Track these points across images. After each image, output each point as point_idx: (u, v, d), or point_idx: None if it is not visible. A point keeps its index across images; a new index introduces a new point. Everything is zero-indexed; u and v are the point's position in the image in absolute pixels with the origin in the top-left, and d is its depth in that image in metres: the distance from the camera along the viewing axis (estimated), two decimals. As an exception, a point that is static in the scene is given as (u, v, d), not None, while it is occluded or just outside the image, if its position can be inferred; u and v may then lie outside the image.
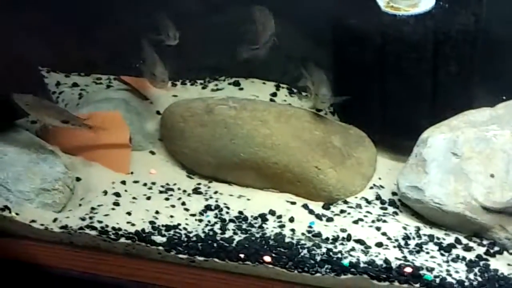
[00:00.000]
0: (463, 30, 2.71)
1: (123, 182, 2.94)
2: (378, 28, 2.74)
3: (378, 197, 2.84)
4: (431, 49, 2.72)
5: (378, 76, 2.81)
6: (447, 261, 2.48)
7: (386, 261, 2.46)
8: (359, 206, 2.79)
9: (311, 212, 2.76)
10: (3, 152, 2.83)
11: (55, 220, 2.71)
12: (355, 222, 2.69)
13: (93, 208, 2.78)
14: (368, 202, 2.82)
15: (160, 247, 2.57)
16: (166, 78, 3.05)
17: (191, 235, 2.64)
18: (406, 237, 2.59)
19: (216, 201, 2.83)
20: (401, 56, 2.73)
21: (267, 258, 2.49)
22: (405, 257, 2.49)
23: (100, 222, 2.69)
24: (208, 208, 2.79)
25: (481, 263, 2.47)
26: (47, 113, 2.89)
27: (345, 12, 2.86)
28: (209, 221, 2.72)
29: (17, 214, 2.70)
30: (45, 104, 2.92)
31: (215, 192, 2.89)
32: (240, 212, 2.76)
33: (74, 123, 2.90)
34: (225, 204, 2.81)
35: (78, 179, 2.94)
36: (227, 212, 2.77)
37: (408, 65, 2.74)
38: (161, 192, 2.90)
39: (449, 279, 2.40)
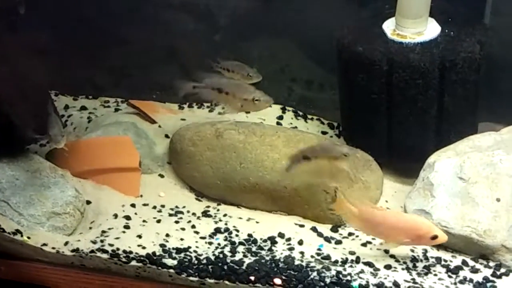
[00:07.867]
0: (468, 58, 2.73)
1: (133, 205, 2.96)
2: (385, 54, 2.75)
3: (385, 220, 2.87)
4: (437, 75, 2.75)
5: (384, 101, 2.84)
6: (455, 283, 2.51)
7: (395, 283, 2.49)
8: (366, 228, 2.82)
9: (319, 234, 2.78)
10: (15, 176, 2.85)
11: (66, 243, 2.73)
12: (364, 244, 2.72)
13: (103, 231, 2.80)
14: (375, 225, 2.85)
15: (171, 270, 2.59)
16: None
17: (201, 257, 2.65)
18: (414, 259, 2.63)
19: (226, 224, 2.85)
20: (408, 82, 2.75)
21: (278, 281, 2.52)
22: (413, 279, 2.52)
23: (111, 245, 2.71)
24: (217, 231, 2.81)
25: (488, 284, 2.50)
26: None
27: (352, 38, 2.88)
28: (219, 244, 2.74)
29: (28, 237, 2.72)
30: None
31: (224, 215, 2.91)
32: (250, 235, 2.78)
33: None
34: (234, 227, 2.83)
35: (88, 202, 2.95)
36: (237, 235, 2.79)
37: (415, 90, 2.77)
38: (170, 215, 2.92)
39: (457, 301, 2.44)
